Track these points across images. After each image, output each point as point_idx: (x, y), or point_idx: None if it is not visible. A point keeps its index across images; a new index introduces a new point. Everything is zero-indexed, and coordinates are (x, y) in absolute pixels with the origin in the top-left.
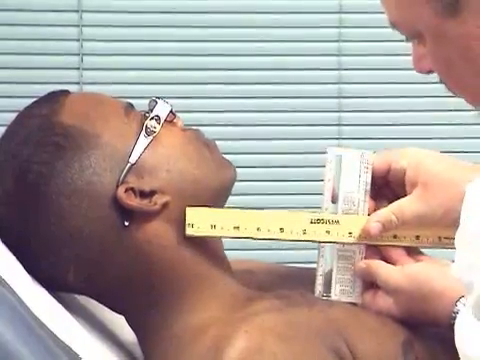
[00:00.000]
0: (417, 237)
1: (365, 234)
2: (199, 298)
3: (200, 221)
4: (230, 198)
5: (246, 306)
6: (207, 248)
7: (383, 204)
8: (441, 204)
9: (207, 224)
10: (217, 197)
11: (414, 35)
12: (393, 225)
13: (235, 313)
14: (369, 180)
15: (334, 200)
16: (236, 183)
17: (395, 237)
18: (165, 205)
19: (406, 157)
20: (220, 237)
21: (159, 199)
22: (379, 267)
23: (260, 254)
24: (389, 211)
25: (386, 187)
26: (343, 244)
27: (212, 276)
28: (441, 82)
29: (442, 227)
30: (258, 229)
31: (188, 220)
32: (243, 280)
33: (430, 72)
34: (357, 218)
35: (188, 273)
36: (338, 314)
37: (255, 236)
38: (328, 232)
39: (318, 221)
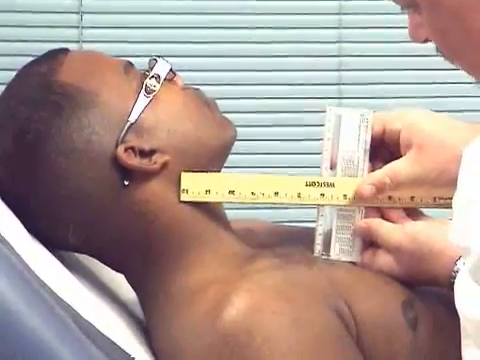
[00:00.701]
0: (412, 198)
1: (358, 196)
2: (198, 258)
3: (194, 186)
4: (229, 157)
5: (246, 264)
6: (206, 208)
7: (379, 165)
8: (436, 166)
9: (201, 189)
10: (217, 156)
11: (410, 4)
12: (386, 187)
13: (235, 271)
14: (369, 139)
15: (333, 160)
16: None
17: (390, 198)
18: (165, 164)
19: (401, 119)
20: (215, 202)
21: (159, 158)
22: (380, 226)
23: (259, 213)
24: (383, 173)
25: (382, 148)
26: (338, 205)
27: (211, 235)
28: (437, 51)
29: (436, 187)
30: (253, 193)
31: (183, 185)
32: (243, 239)
33: (426, 41)
34: (353, 180)
35: (187, 233)
36: (338, 273)
37: (250, 201)
38: (323, 195)
39: (313, 184)
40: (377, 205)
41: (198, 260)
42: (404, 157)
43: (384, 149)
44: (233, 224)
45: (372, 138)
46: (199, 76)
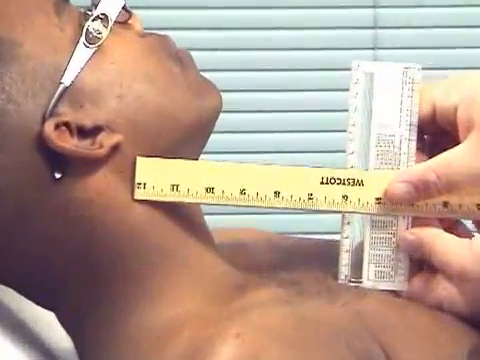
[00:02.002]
0: (479, 206)
1: (389, 200)
2: (165, 286)
3: (156, 179)
4: (216, 139)
5: (236, 297)
6: (177, 213)
7: (424, 159)
8: None
9: (167, 184)
10: (192, 137)
11: None
12: (432, 187)
13: (220, 307)
14: (416, 109)
15: (363, 141)
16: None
17: (445, 205)
18: (115, 148)
19: (458, 89)
20: (184, 203)
21: (106, 139)
22: (436, 239)
23: (252, 220)
24: (427, 166)
25: (432, 135)
26: (369, 213)
27: (185, 254)
28: None
29: None
30: (243, 192)
31: (138, 177)
32: (233, 258)
33: None
34: (391, 175)
35: (149, 249)
36: (372, 308)
37: (238, 202)
38: (346, 198)
39: (331, 181)
40: (423, 215)
41: (164, 290)
42: (462, 144)
43: (440, 135)
44: (218, 235)
45: (419, 119)
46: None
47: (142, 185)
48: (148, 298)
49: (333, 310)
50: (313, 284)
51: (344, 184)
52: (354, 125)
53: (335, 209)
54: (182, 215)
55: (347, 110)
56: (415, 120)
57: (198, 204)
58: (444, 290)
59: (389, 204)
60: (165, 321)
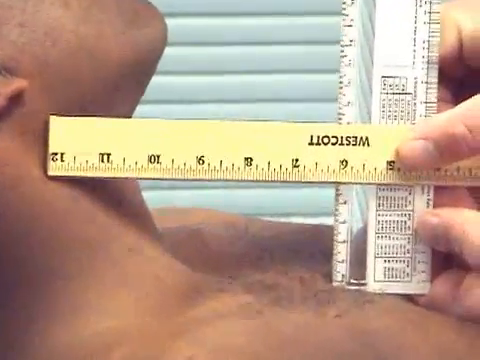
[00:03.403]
0: None
1: (403, 164)
2: (92, 291)
3: (78, 147)
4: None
5: (188, 306)
6: (107, 191)
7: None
8: None
9: (93, 153)
10: (127, 81)
11: None
12: (462, 144)
13: (165, 319)
14: (436, 40)
15: (362, 87)
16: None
17: (471, 172)
18: (16, 99)
19: None
20: (115, 178)
21: (2, 85)
22: (469, 223)
23: (213, 196)
24: (453, 115)
25: (458, 77)
26: (377, 184)
27: (117, 247)
28: None
29: None
30: (201, 160)
31: (53, 145)
32: (183, 252)
33: None
34: (405, 130)
35: (68, 243)
36: (379, 322)
37: (193, 175)
38: (344, 163)
39: (325, 141)
40: (451, 183)
41: (90, 296)
42: None
43: (470, 76)
44: (161, 220)
45: (440, 55)
46: None
47: (58, 156)
48: (68, 307)
49: (323, 325)
50: (295, 288)
51: (342, 144)
52: (350, 65)
53: (329, 179)
54: (113, 194)
55: (340, 45)
56: (435, 56)
57: (139, 179)
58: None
59: (403, 171)
60: (90, 337)
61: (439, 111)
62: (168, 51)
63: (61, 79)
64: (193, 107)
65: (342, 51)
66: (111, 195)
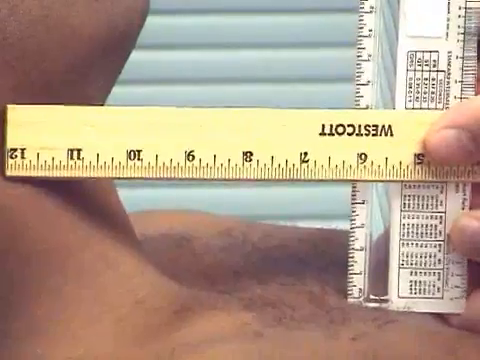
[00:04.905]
0: None
1: (432, 158)
2: (58, 312)
3: (42, 141)
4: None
5: (174, 328)
6: (77, 192)
7: None
8: None
9: (60, 148)
10: (100, 60)
11: None
12: None
13: (146, 346)
14: (475, 6)
15: (385, 62)
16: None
17: None
18: None
19: None
20: (87, 178)
21: None
22: None
23: (203, 197)
24: None
25: None
26: (402, 181)
27: (88, 258)
28: None
29: None
30: (190, 156)
31: (11, 140)
32: (167, 262)
33: None
34: (435, 117)
35: (29, 254)
36: (402, 346)
37: (181, 174)
38: (363, 157)
39: (339, 130)
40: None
41: (54, 319)
42: None
43: None
44: (141, 224)
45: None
46: None
47: (18, 152)
48: (26, 331)
49: (335, 349)
50: (303, 305)
51: (360, 134)
52: (370, 36)
53: (345, 177)
54: (85, 196)
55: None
56: (473, 26)
57: (117, 179)
58: None
59: (434, 165)
60: None
61: (478, 93)
62: (150, 21)
63: (21, 55)
64: (180, 89)
65: (361, 20)
66: (83, 197)
